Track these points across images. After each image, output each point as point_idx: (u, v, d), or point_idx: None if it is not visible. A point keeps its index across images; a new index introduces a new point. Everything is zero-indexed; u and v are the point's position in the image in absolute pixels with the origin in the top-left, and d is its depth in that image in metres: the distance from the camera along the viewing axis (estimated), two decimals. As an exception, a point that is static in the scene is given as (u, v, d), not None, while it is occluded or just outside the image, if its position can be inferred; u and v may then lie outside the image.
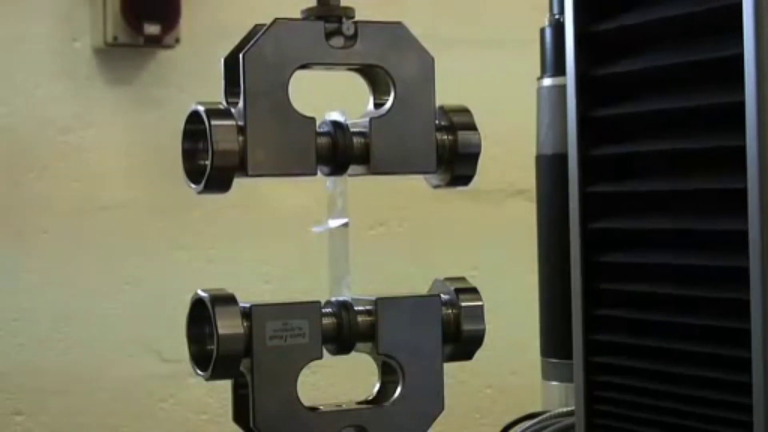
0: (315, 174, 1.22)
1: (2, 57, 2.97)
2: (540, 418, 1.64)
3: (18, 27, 2.97)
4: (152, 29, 2.98)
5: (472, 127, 1.26)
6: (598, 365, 1.34)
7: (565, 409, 1.62)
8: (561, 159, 1.47)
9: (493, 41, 3.33)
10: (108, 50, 3.02)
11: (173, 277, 3.07)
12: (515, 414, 1.69)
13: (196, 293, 1.21)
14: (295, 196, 3.11)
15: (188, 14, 3.02)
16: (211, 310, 1.18)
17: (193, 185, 1.20)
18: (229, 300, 1.20)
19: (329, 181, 1.26)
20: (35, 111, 3.00)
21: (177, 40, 3.02)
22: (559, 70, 1.77)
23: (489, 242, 3.32)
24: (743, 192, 1.14)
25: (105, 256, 3.04)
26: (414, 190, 3.24)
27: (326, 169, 1.23)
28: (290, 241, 3.14)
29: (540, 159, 1.83)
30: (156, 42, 3.01)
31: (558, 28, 1.80)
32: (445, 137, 1.25)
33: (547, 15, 1.85)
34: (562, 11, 1.70)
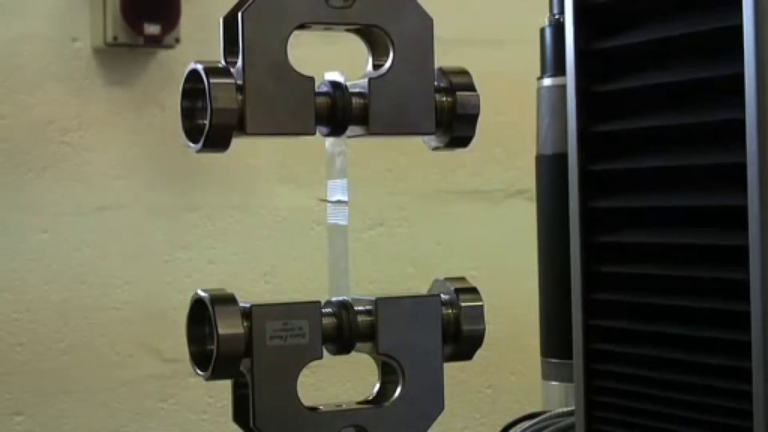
0: (314, 134, 1.21)
1: (2, 57, 2.97)
2: (540, 418, 1.64)
3: (18, 27, 2.97)
4: (152, 29, 2.97)
5: (471, 88, 1.25)
6: (598, 352, 1.34)
7: (565, 409, 1.62)
8: (561, 159, 1.47)
9: (493, 41, 3.33)
10: (108, 50, 3.02)
11: (173, 277, 3.08)
12: (515, 414, 1.69)
13: (196, 293, 1.21)
14: (295, 197, 3.11)
15: (188, 14, 3.02)
16: (211, 310, 1.18)
17: (191, 144, 1.20)
18: (229, 300, 1.19)
19: (328, 142, 1.26)
20: (35, 111, 3.00)
21: (177, 40, 3.02)
22: (559, 70, 1.77)
23: (489, 242, 3.32)
24: (743, 167, 1.13)
25: (104, 256, 3.04)
26: (414, 190, 3.24)
27: (325, 130, 1.23)
28: (290, 241, 3.14)
29: (540, 159, 1.83)
30: (156, 42, 3.00)
31: (558, 27, 1.80)
32: (444, 98, 1.24)
33: (547, 15, 1.85)
34: (562, 11, 1.70)
